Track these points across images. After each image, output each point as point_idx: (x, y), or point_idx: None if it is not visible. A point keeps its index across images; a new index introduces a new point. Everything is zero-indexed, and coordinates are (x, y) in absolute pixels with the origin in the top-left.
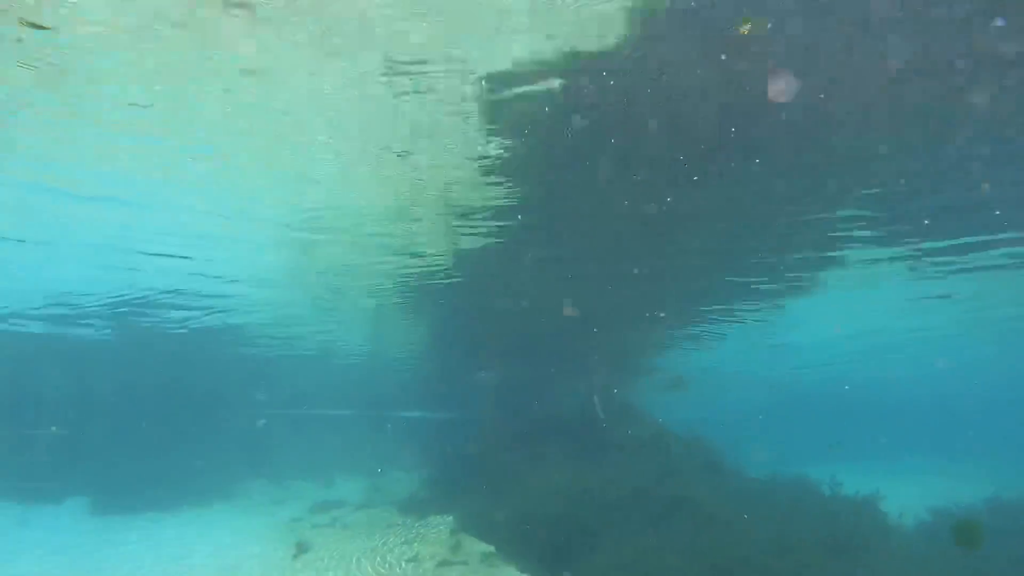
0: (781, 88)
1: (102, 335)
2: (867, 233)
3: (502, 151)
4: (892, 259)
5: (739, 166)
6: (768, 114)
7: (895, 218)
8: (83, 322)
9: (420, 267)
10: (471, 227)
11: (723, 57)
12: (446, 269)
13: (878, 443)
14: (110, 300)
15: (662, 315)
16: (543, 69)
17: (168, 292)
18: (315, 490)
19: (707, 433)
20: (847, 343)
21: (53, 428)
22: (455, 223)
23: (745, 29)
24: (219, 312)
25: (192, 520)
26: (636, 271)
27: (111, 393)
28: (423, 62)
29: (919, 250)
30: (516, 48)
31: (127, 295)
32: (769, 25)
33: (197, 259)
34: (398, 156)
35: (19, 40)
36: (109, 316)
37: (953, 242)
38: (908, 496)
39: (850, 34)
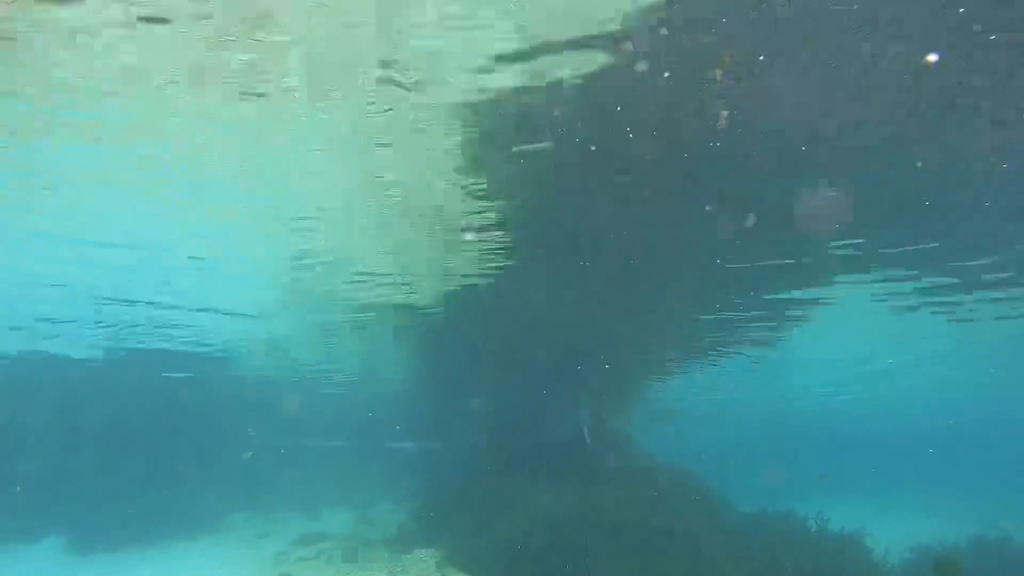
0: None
1: (88, 365)
2: (856, 267)
3: (488, 183)
4: (880, 295)
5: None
6: (757, 140)
7: (885, 253)
8: (69, 351)
9: (409, 299)
10: (463, 264)
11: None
12: (435, 302)
13: (867, 478)
14: (99, 332)
15: (651, 350)
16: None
17: (157, 327)
18: (301, 522)
19: (697, 465)
20: (836, 378)
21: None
22: (446, 258)
23: (725, 65)
24: (207, 345)
25: (177, 556)
26: (625, 306)
27: (93, 425)
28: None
29: (907, 286)
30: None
31: (117, 328)
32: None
33: (186, 294)
34: (382, 183)
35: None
36: (96, 347)
37: (943, 279)
38: (894, 532)
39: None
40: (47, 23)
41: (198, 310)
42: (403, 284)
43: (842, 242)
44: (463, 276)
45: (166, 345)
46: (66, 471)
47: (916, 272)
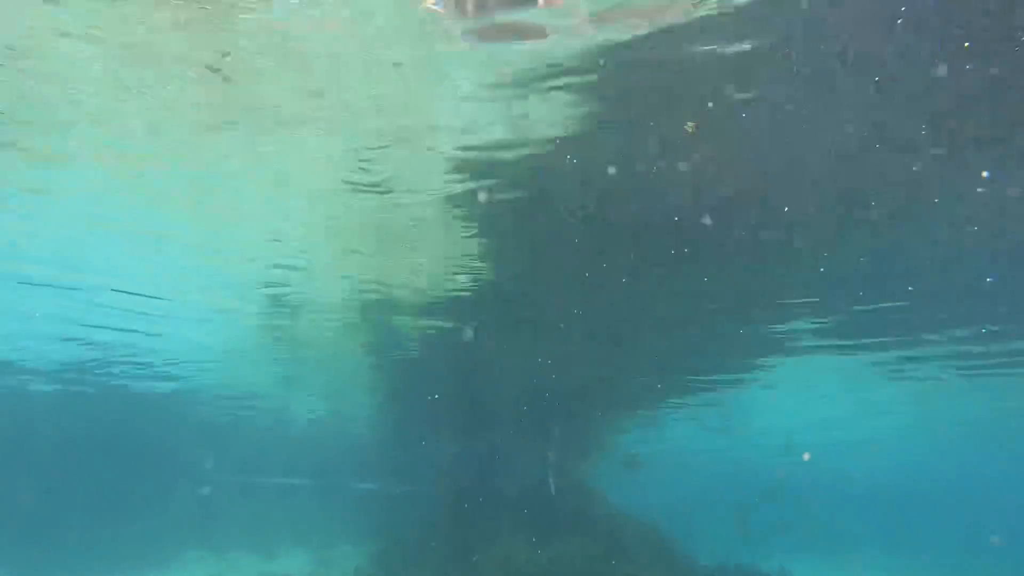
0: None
1: (36, 390)
2: (818, 329)
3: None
4: (844, 356)
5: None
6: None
7: (847, 319)
8: (19, 378)
9: (377, 342)
10: (435, 306)
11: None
12: (404, 347)
13: (830, 536)
14: (53, 360)
15: (618, 397)
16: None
17: (112, 358)
18: (256, 562)
19: (660, 516)
20: (800, 435)
21: None
22: (419, 305)
23: (691, 128)
24: (164, 379)
25: None
26: (595, 354)
27: (36, 453)
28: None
29: (867, 351)
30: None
31: (72, 358)
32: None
33: (145, 323)
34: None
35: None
36: (47, 375)
37: (904, 353)
38: None
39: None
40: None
41: (157, 341)
42: (372, 326)
43: (803, 300)
44: (433, 323)
45: (122, 375)
46: (4, 500)
47: (878, 337)
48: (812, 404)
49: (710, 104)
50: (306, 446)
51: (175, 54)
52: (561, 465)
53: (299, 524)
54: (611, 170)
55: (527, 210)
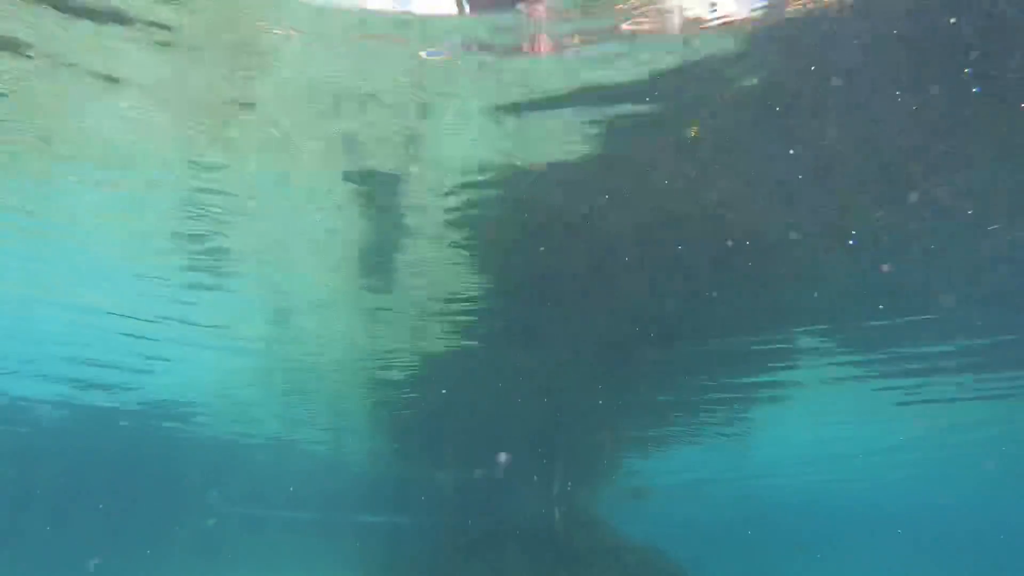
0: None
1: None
2: (827, 350)
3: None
4: (853, 380)
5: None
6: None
7: (857, 339)
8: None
9: (380, 373)
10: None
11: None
12: (406, 376)
13: (842, 563)
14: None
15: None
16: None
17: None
18: None
19: (669, 545)
20: (811, 459)
21: None
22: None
23: (694, 131)
24: (166, 405)
25: None
26: (599, 386)
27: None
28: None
29: (879, 373)
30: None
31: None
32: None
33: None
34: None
35: None
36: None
37: (916, 382)
38: None
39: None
40: None
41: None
42: (375, 358)
43: (810, 328)
44: (434, 351)
45: (121, 403)
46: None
47: (885, 357)
48: (826, 430)
49: (708, 117)
50: (306, 478)
51: None
52: (566, 495)
53: (300, 556)
54: (613, 189)
55: (526, 228)
